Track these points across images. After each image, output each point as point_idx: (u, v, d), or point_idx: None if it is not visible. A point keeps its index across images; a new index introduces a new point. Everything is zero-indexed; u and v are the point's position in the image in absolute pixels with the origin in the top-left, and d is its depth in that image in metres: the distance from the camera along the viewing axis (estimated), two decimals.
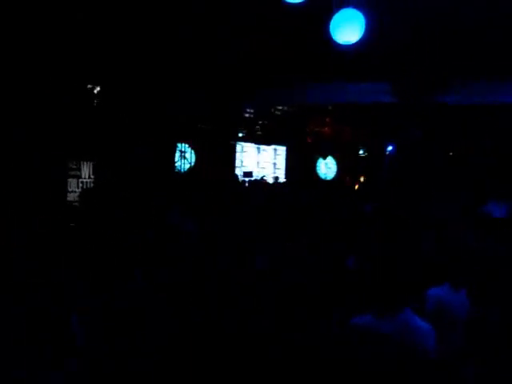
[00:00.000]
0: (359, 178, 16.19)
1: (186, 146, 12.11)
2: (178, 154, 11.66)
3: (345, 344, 2.52)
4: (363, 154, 17.13)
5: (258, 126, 15.28)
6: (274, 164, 16.72)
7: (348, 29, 5.18)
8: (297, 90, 10.34)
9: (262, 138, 15.85)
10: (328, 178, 16.53)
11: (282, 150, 16.78)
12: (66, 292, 2.91)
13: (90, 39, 7.11)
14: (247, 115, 14.57)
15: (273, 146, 16.49)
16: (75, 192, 8.70)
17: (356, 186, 14.99)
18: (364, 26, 5.28)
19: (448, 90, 9.02)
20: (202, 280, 3.43)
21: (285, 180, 15.87)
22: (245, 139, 15.56)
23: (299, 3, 4.73)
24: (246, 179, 13.93)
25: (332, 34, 5.34)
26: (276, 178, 15.77)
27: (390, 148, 15.89)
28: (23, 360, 2.32)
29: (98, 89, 9.04)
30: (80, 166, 8.87)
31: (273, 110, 14.61)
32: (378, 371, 2.24)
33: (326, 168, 16.75)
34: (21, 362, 2.31)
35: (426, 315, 2.98)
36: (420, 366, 2.55)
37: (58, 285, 2.96)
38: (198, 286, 3.32)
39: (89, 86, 8.91)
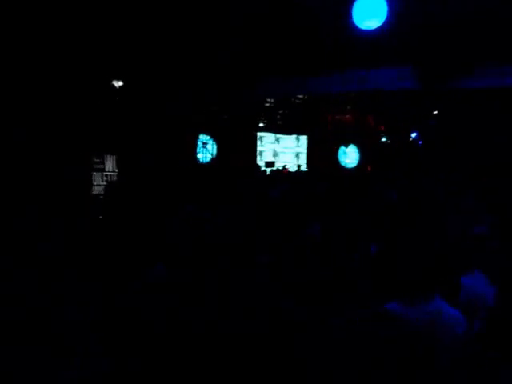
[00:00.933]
0: (380, 165, 16.01)
1: (208, 137, 12.15)
2: (199, 146, 11.71)
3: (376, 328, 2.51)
4: (386, 141, 16.90)
5: (278, 116, 15.21)
6: (297, 154, 16.66)
7: (370, 14, 5.10)
8: (319, 79, 10.22)
9: (282, 128, 15.79)
10: (350, 167, 16.39)
11: (303, 139, 16.70)
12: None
13: (110, 35, 7.15)
14: (267, 104, 14.51)
15: (294, 136, 16.41)
16: (100, 185, 8.83)
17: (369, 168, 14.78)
18: (386, 11, 5.19)
19: (471, 74, 8.81)
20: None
21: (306, 169, 15.81)
22: (265, 129, 15.53)
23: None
24: (268, 169, 13.93)
25: (354, 20, 5.27)
26: (298, 167, 15.72)
27: (413, 135, 15.66)
28: (33, 358, 2.36)
29: (120, 83, 9.11)
30: (103, 159, 8.98)
31: (293, 98, 14.48)
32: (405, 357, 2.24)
33: (348, 156, 16.61)
34: (31, 360, 2.35)
35: (458, 303, 2.93)
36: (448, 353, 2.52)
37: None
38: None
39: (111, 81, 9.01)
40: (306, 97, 14.21)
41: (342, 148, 16.45)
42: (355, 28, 5.48)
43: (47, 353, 2.41)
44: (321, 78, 10.10)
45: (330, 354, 2.26)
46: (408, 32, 7.41)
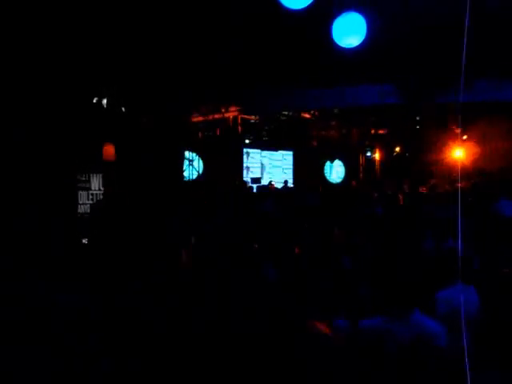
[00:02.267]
0: (363, 179, 16.16)
1: (194, 154, 12.18)
2: (186, 163, 11.73)
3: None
4: (370, 156, 17.09)
5: (264, 132, 15.33)
6: (282, 169, 16.75)
7: (350, 32, 5.21)
8: (298, 95, 10.35)
9: (268, 144, 15.90)
10: (336, 182, 16.51)
11: (289, 155, 16.82)
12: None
13: (96, 50, 7.14)
14: (253, 121, 14.64)
15: (280, 152, 16.53)
16: (86, 204, 8.78)
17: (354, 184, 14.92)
18: (365, 29, 5.30)
19: (452, 89, 8.99)
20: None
21: (293, 185, 15.89)
22: (251, 145, 15.63)
23: (300, 9, 4.75)
24: (255, 185, 13.97)
25: (334, 38, 5.37)
26: (285, 183, 15.79)
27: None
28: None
29: (105, 101, 9.13)
30: (89, 178, 8.95)
31: (278, 115, 14.65)
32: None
33: (334, 171, 16.74)
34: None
35: (437, 317, 2.97)
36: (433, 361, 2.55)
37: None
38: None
39: (96, 98, 9.01)
40: (290, 113, 14.37)
41: (328, 163, 16.59)
42: (338, 45, 5.57)
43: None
44: (307, 93, 10.23)
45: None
46: (389, 48, 7.56)
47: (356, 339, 2.66)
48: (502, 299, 3.09)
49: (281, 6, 4.68)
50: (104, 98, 9.10)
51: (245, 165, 15.50)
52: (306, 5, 4.60)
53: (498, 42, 7.12)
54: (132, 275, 3.53)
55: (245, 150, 15.45)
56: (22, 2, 5.90)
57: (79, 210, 8.69)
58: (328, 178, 16.62)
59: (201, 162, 12.64)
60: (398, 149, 16.59)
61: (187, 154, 11.80)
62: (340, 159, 16.60)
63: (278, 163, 16.66)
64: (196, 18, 6.61)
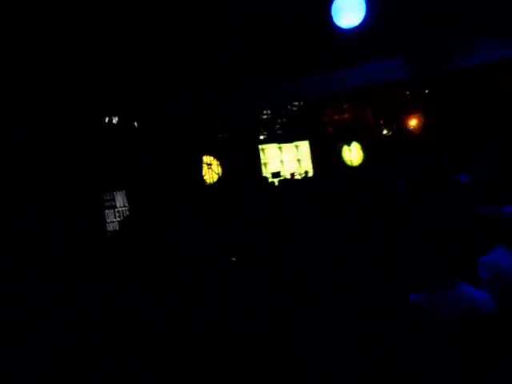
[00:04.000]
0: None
1: (211, 158, 12.25)
2: (204, 167, 11.80)
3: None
4: (387, 133, 16.88)
5: (277, 126, 15.30)
6: (298, 160, 16.73)
7: (349, 12, 5.17)
8: (307, 82, 10.26)
9: (283, 137, 15.87)
10: (355, 164, 16.36)
11: (304, 145, 16.76)
12: None
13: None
14: (265, 116, 14.61)
15: (294, 143, 16.50)
16: (114, 222, 8.92)
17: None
18: (365, 7, 5.26)
19: (460, 55, 8.83)
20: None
21: (313, 174, 15.84)
22: (266, 141, 15.62)
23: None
24: (276, 179, 13.98)
25: (334, 20, 5.34)
26: (306, 173, 15.75)
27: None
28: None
29: (116, 119, 9.22)
30: (114, 196, 9.08)
31: (289, 106, 14.60)
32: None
33: (352, 154, 16.58)
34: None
35: (482, 284, 2.92)
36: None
37: None
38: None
39: (107, 117, 9.11)
40: (301, 103, 14.30)
41: (345, 147, 16.45)
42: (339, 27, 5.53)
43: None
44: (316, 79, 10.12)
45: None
46: (394, 22, 7.45)
47: (406, 315, 2.63)
48: None
49: None
50: (114, 115, 9.21)
51: (262, 161, 15.51)
52: None
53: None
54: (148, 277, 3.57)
55: (260, 147, 15.47)
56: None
57: (108, 229, 8.84)
58: (347, 161, 16.48)
59: (219, 165, 12.68)
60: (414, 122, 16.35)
61: (205, 158, 11.87)
62: (357, 141, 16.45)
63: (296, 155, 16.64)
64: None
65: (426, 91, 13.71)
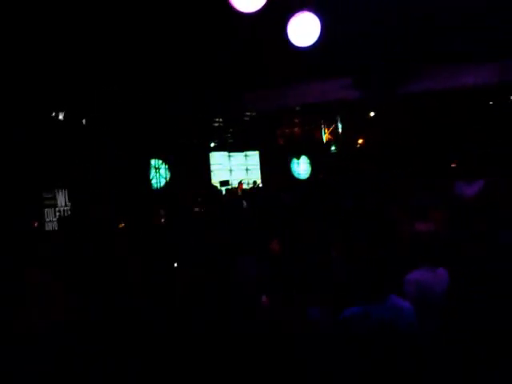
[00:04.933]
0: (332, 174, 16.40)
1: (160, 161, 12.12)
2: (152, 171, 11.66)
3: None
4: (335, 150, 17.35)
5: (229, 135, 15.37)
6: (247, 169, 16.88)
7: (305, 32, 5.32)
8: (259, 96, 10.41)
9: (234, 146, 15.95)
10: (303, 178, 16.71)
11: (254, 155, 16.93)
12: None
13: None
14: (217, 124, 14.64)
15: (246, 152, 16.64)
16: (53, 221, 8.64)
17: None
18: (320, 28, 5.42)
19: (410, 80, 9.22)
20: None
21: (261, 184, 16.00)
22: (217, 148, 15.65)
23: (254, 12, 4.83)
24: (223, 188, 14.01)
25: (290, 38, 5.47)
26: (254, 183, 15.87)
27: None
28: None
29: (62, 115, 8.96)
30: (55, 194, 8.81)
31: (241, 116, 14.72)
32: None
33: (301, 168, 16.94)
34: None
35: (407, 298, 3.10)
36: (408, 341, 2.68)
37: None
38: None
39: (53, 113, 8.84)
40: (253, 113, 14.45)
41: (294, 160, 16.77)
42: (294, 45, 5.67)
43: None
44: (266, 92, 10.26)
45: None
46: (347, 43, 7.70)
47: (340, 328, 2.76)
48: (468, 281, 3.25)
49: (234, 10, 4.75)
50: (61, 111, 8.95)
51: (212, 168, 15.52)
52: (259, 8, 4.69)
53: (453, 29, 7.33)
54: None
55: (211, 154, 15.47)
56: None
57: (46, 228, 8.55)
58: (295, 174, 16.80)
59: (167, 169, 12.57)
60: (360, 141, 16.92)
61: (153, 161, 11.74)
62: (306, 155, 16.82)
63: (245, 164, 16.76)
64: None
65: (374, 112, 14.25)
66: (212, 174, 15.48)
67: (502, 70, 8.84)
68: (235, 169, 16.53)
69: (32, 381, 2.33)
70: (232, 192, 13.03)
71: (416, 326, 2.82)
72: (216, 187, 13.82)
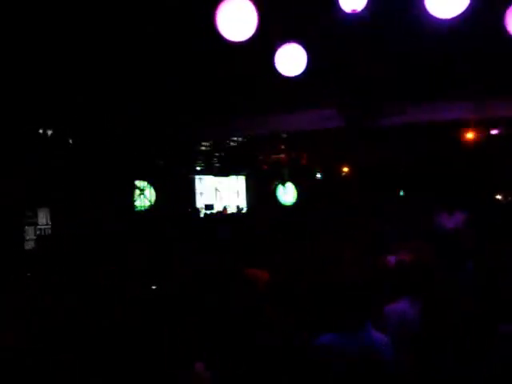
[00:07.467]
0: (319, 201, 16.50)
1: (145, 183, 12.08)
2: (136, 193, 11.61)
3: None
4: (321, 177, 17.52)
5: (215, 159, 15.45)
6: (237, 191, 16.95)
7: (290, 62, 5.43)
8: (242, 122, 10.48)
9: (220, 170, 16.03)
10: (288, 204, 16.75)
11: (241, 180, 17.02)
12: None
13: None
14: (203, 148, 14.71)
15: (232, 176, 16.71)
16: (33, 240, 8.53)
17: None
18: (306, 59, 5.55)
19: (393, 113, 9.41)
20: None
21: (246, 209, 16.04)
22: (203, 172, 15.70)
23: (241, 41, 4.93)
24: (208, 212, 14.01)
25: (276, 67, 5.59)
26: (238, 208, 15.92)
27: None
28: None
29: (51, 132, 8.93)
30: (36, 212, 8.72)
31: (228, 141, 14.83)
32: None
33: (286, 194, 17.01)
34: None
35: (386, 330, 3.12)
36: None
37: None
38: None
39: (41, 130, 8.81)
40: (239, 139, 14.57)
41: (279, 186, 16.85)
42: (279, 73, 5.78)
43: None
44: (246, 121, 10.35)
45: None
46: (331, 74, 7.87)
47: (310, 356, 2.78)
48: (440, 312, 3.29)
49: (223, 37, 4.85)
50: (49, 128, 8.92)
51: (198, 191, 15.54)
52: (247, 37, 4.80)
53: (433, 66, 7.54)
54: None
55: (197, 177, 15.51)
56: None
57: (26, 247, 8.44)
58: (280, 201, 16.85)
59: (152, 191, 12.53)
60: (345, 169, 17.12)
61: (138, 183, 11.70)
62: (291, 182, 16.92)
63: (232, 188, 16.83)
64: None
65: (358, 143, 14.46)
66: (199, 195, 15.52)
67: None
68: (224, 192, 16.60)
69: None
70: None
71: (390, 357, 2.82)
72: (199, 210, 13.82)
